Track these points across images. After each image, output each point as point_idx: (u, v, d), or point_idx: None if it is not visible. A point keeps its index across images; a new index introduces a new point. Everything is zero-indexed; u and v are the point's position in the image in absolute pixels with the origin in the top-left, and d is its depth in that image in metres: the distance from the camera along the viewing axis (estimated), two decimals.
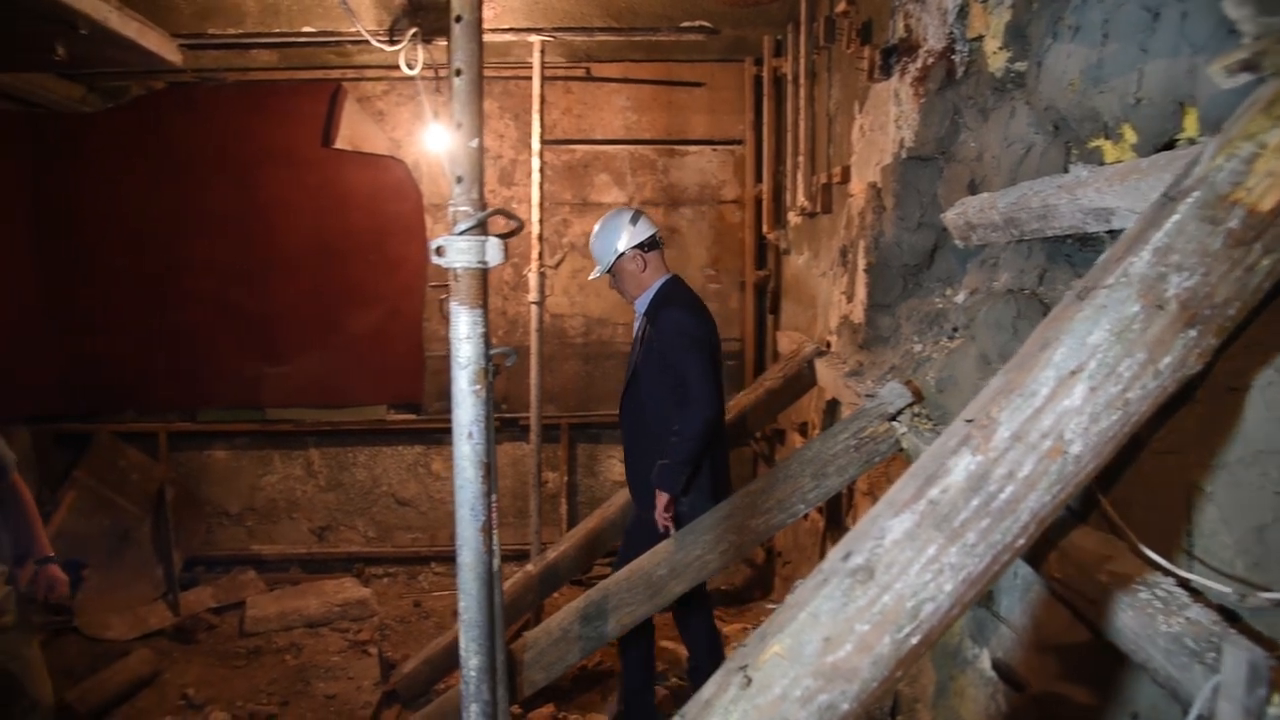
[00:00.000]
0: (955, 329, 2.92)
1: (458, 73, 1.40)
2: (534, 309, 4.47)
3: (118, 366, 5.89)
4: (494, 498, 1.56)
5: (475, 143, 1.40)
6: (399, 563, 6.10)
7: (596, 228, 3.54)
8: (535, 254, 4.49)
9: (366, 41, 4.27)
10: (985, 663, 2.40)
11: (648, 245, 3.46)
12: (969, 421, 1.36)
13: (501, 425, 5.60)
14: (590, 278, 3.68)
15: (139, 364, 5.92)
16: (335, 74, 5.68)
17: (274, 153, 5.76)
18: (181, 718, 4.32)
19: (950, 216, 2.71)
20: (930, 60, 2.98)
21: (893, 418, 2.76)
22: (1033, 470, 1.28)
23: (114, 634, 5.22)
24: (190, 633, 5.18)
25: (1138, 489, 1.74)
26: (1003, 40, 2.50)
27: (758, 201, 5.60)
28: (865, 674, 1.31)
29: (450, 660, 4.29)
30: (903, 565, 1.31)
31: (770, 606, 4.79)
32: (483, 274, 1.41)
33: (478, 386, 1.40)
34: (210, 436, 6.10)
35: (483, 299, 1.42)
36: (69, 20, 3.70)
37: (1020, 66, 2.45)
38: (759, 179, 5.55)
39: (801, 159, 4.40)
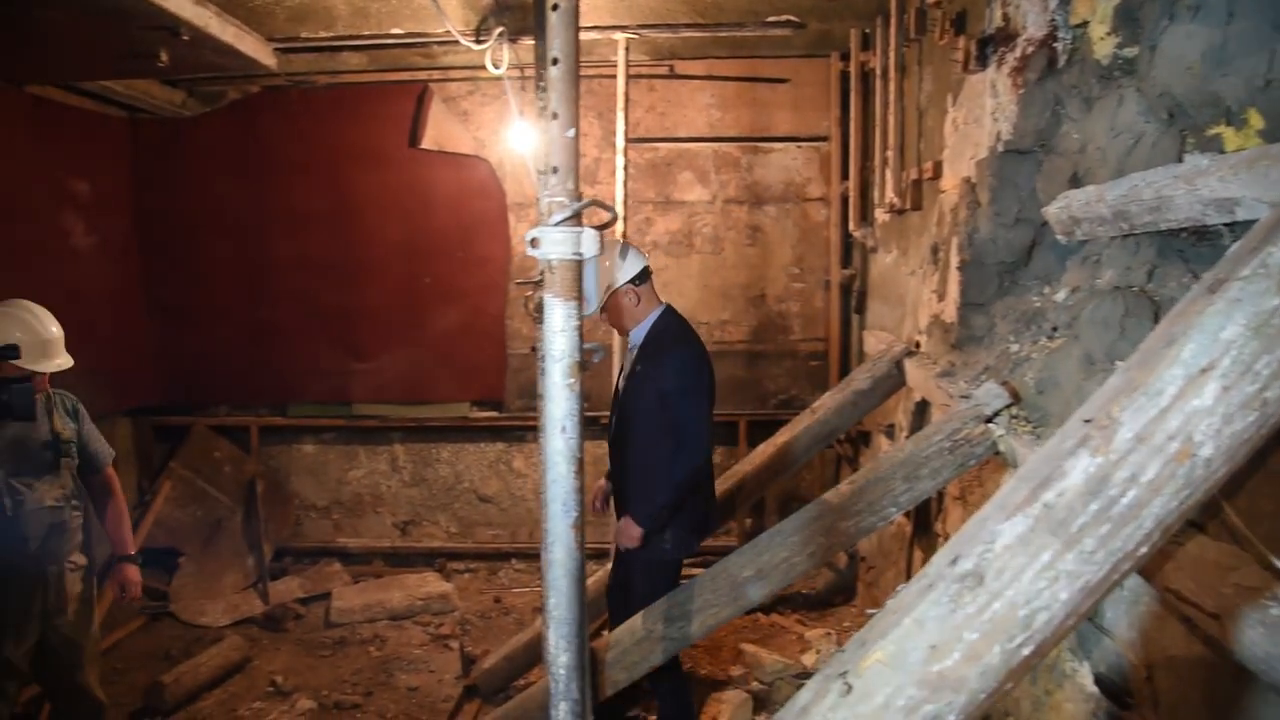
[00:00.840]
0: (1055, 328, 2.81)
1: (554, 61, 1.38)
2: None
3: (212, 362, 6.09)
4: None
5: (571, 132, 1.38)
6: (480, 559, 6.16)
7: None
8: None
9: (453, 42, 4.31)
10: (1086, 677, 2.29)
11: (639, 279, 3.36)
12: (1087, 421, 1.29)
13: (584, 423, 5.60)
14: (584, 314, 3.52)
15: (232, 359, 6.11)
16: (422, 75, 5.77)
17: (363, 153, 5.88)
18: (270, 704, 4.42)
19: (1052, 211, 2.60)
20: (1030, 49, 2.87)
21: (989, 420, 2.67)
22: (1158, 474, 1.20)
23: (207, 620, 5.39)
24: (279, 621, 5.32)
25: (1265, 498, 1.63)
26: (1111, 25, 2.39)
27: (844, 199, 5.49)
28: (973, 685, 1.25)
29: (531, 657, 4.30)
30: (1015, 572, 1.25)
31: (871, 611, 4.68)
32: (577, 266, 1.40)
33: (571, 380, 1.38)
34: (299, 431, 6.26)
35: (577, 291, 1.40)
36: (172, 27, 3.83)
37: (1130, 52, 2.33)
38: (845, 176, 5.45)
39: (890, 155, 4.30)
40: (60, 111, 5.27)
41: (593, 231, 1.38)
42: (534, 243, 1.39)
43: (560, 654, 1.51)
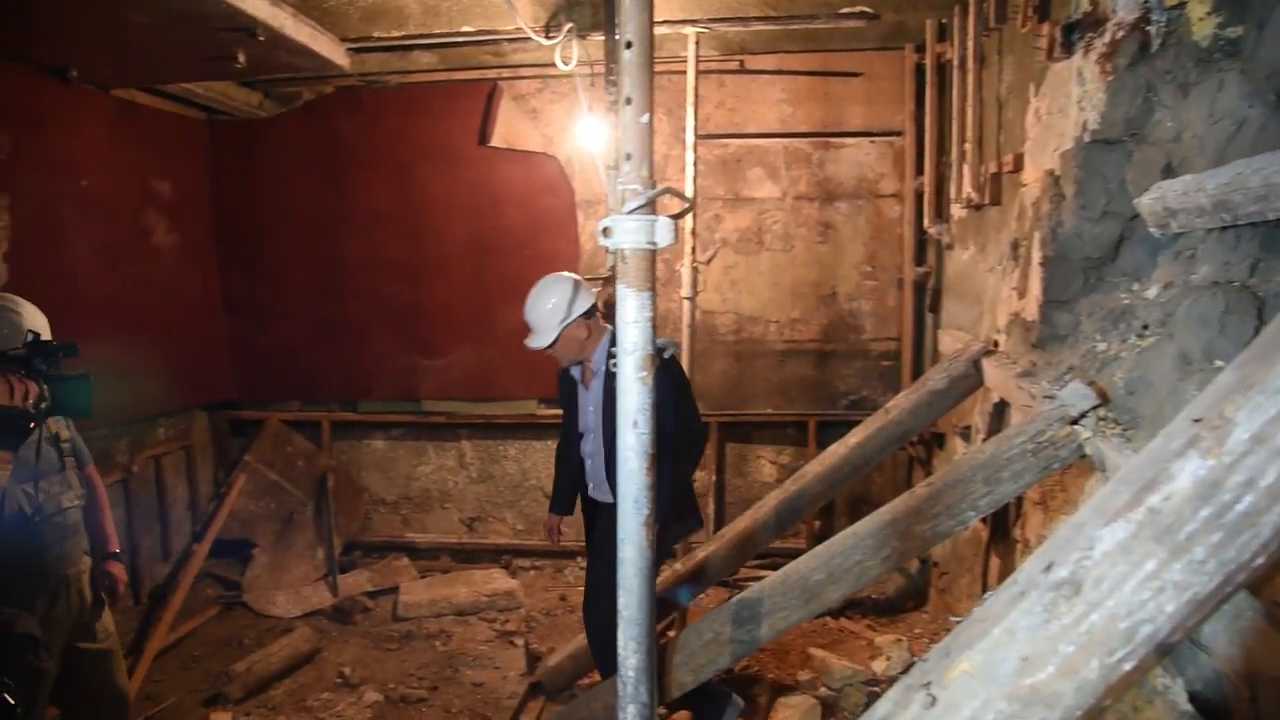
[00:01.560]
0: (1146, 326, 2.68)
1: (628, 45, 1.34)
2: (686, 304, 4.41)
3: (286, 358, 6.20)
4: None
5: (646, 118, 1.34)
6: (545, 556, 6.17)
7: (536, 294, 3.49)
8: (689, 249, 4.43)
9: (523, 39, 4.32)
10: (1180, 695, 2.17)
11: (589, 314, 3.47)
12: (1196, 421, 1.20)
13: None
14: (529, 345, 3.52)
15: (305, 356, 6.21)
16: (491, 74, 5.79)
17: (433, 152, 5.92)
18: (338, 695, 4.48)
19: (1145, 202, 2.48)
20: (1120, 33, 2.74)
21: (1075, 421, 2.55)
22: (1278, 479, 1.11)
23: (278, 610, 5.49)
24: (348, 614, 5.39)
25: None
26: (1212, 4, 2.26)
27: (918, 195, 5.36)
28: (1068, 700, 1.17)
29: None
30: (1115, 581, 1.17)
31: (955, 619, 4.56)
32: (651, 255, 1.35)
33: (644, 373, 1.34)
34: (369, 426, 6.34)
35: (651, 282, 1.35)
36: (250, 28, 3.90)
37: (1233, 32, 2.21)
38: (919, 171, 5.31)
39: (968, 148, 4.17)
40: (144, 114, 5.42)
41: (667, 220, 1.33)
42: (606, 232, 1.35)
43: (630, 655, 1.47)
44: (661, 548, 3.40)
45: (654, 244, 1.33)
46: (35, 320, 2.94)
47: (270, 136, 6.05)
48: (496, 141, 5.82)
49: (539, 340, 3.45)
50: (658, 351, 3.36)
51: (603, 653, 3.68)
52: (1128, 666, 1.15)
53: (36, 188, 4.48)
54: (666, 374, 3.28)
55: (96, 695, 3.23)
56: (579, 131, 5.51)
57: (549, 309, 3.43)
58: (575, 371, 3.64)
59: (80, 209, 4.81)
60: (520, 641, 5.00)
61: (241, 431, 6.40)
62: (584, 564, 6.08)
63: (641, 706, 1.50)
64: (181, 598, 5.37)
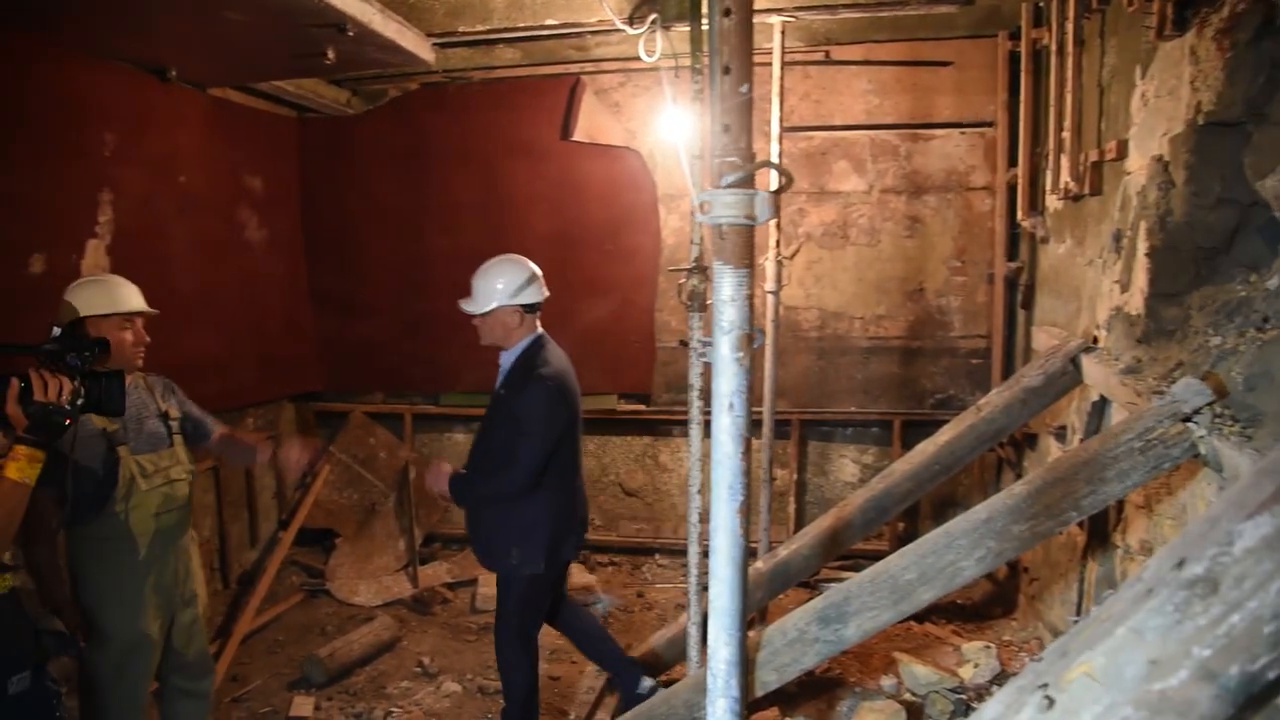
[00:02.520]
0: (1266, 319, 2.52)
1: (726, 13, 1.29)
2: (770, 299, 4.33)
3: (370, 351, 6.30)
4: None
5: (745, 89, 1.29)
6: (623, 552, 6.14)
7: (493, 266, 3.54)
8: (772, 242, 4.35)
9: (606, 31, 4.30)
10: None
11: (530, 309, 3.55)
12: None
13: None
14: (462, 305, 3.56)
15: (389, 349, 6.30)
16: (574, 68, 5.78)
17: (515, 147, 5.95)
18: (417, 684, 4.52)
19: (1271, 185, 2.33)
20: (1241, 6, 2.58)
21: (1188, 419, 2.41)
22: None
23: (360, 599, 5.57)
24: (427, 604, 5.44)
25: None
26: None
27: (1010, 187, 5.17)
28: (1204, 709, 1.08)
29: (673, 653, 4.24)
30: (1259, 580, 1.07)
31: (1073, 619, 4.39)
32: (750, 231, 1.30)
33: (741, 354, 1.28)
34: (451, 419, 6.40)
35: (749, 258, 1.30)
36: (340, 23, 3.95)
37: None
38: (1013, 163, 5.13)
39: (1067, 136, 3.99)
40: (237, 112, 5.56)
41: (766, 194, 1.28)
42: (703, 207, 1.30)
43: (720, 647, 1.41)
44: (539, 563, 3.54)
45: (752, 219, 1.28)
46: (111, 296, 3.02)
47: (357, 133, 6.16)
48: (579, 136, 5.82)
49: (473, 306, 3.51)
50: (536, 369, 3.46)
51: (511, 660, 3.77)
52: (1274, 674, 1.05)
53: (137, 184, 4.61)
54: (530, 392, 3.44)
55: (188, 664, 3.33)
56: (661, 124, 5.47)
57: (498, 286, 3.50)
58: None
59: (177, 204, 4.95)
60: None
61: (326, 423, 6.52)
62: (661, 562, 6.06)
63: (732, 701, 1.45)
64: (268, 584, 5.50)
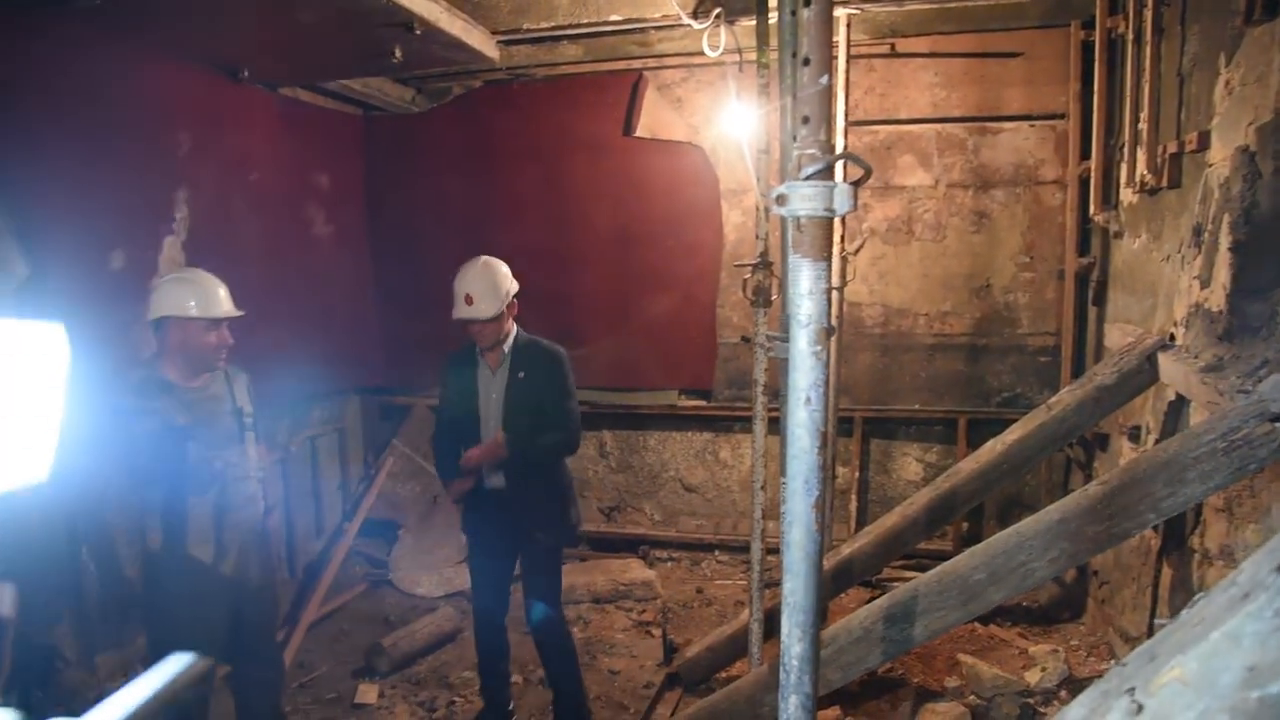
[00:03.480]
0: None
1: (806, 3, 1.27)
2: (834, 295, 4.28)
3: (432, 344, 6.34)
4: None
5: (825, 79, 1.27)
6: (683, 548, 6.14)
7: (484, 267, 3.68)
8: (837, 237, 4.30)
9: (669, 27, 4.29)
10: None
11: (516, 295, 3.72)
12: None
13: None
14: (468, 315, 3.64)
15: (450, 343, 6.35)
16: (636, 64, 5.78)
17: (578, 143, 5.97)
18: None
19: None
20: None
21: (1277, 418, 2.32)
22: None
23: (422, 590, 5.66)
24: None
25: None
26: None
27: (1082, 181, 5.04)
28: None
29: (734, 650, 4.22)
30: None
31: (1161, 621, 4.30)
32: (829, 223, 1.28)
33: (819, 348, 1.27)
34: None
35: (828, 251, 1.28)
36: (407, 23, 4.01)
37: None
38: (1085, 155, 5.00)
39: (1144, 127, 3.88)
40: (306, 110, 5.67)
41: (847, 186, 1.26)
42: (780, 200, 1.29)
43: (794, 643, 1.40)
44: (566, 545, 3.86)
45: (832, 211, 1.26)
46: (203, 300, 3.10)
47: (421, 131, 6.23)
48: (641, 132, 5.83)
49: (483, 308, 3.59)
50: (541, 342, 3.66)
51: (484, 658, 3.96)
52: None
53: (211, 182, 4.73)
54: (564, 365, 3.75)
55: (257, 652, 3.42)
56: (724, 120, 5.44)
57: (497, 283, 3.64)
58: (476, 357, 3.79)
59: (248, 202, 5.06)
60: (657, 632, 4.98)
61: (390, 416, 6.62)
62: (721, 559, 6.04)
63: (805, 697, 1.44)
64: (332, 573, 5.60)
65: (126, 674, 4.21)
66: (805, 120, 1.28)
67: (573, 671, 3.98)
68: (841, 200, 1.27)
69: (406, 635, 4.75)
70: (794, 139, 1.30)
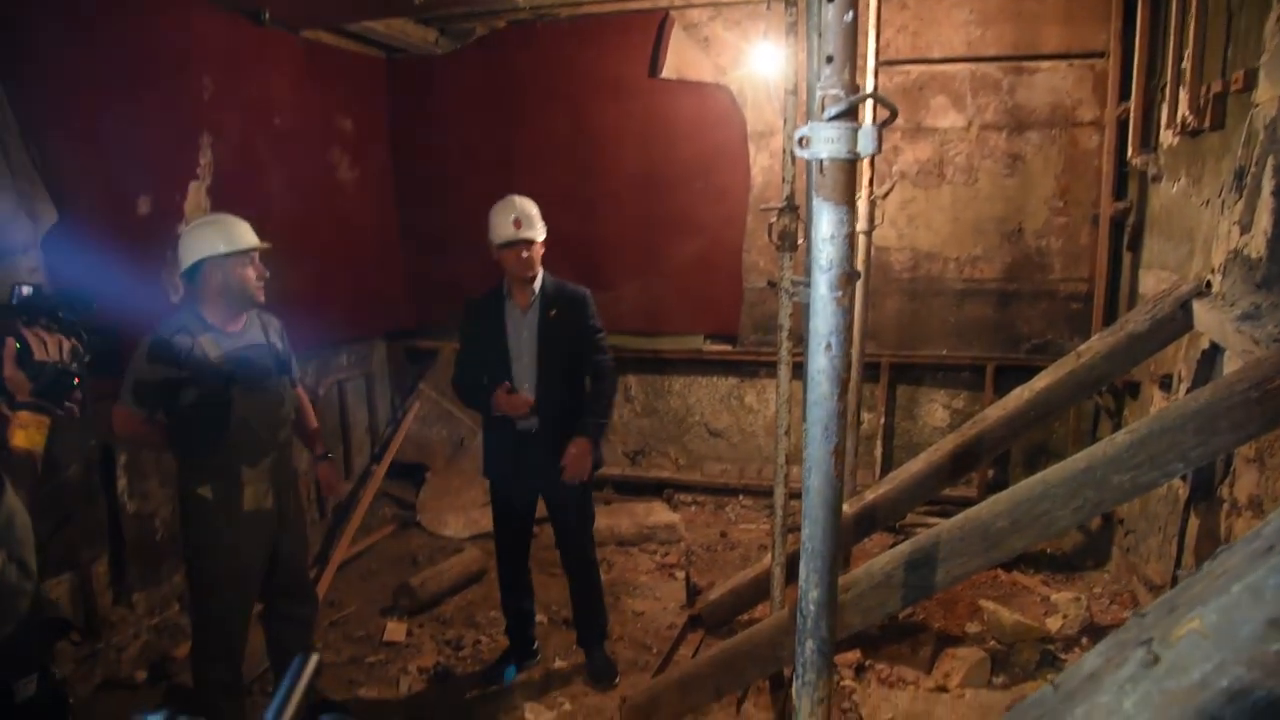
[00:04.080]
0: None
1: None
2: (862, 239, 4.22)
3: (458, 288, 6.32)
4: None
5: (850, 16, 1.23)
6: (707, 492, 6.18)
7: (523, 199, 3.76)
8: (865, 180, 4.23)
9: None
10: None
11: None
12: None
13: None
14: (524, 234, 3.67)
15: (475, 287, 6.36)
16: (663, 2, 5.66)
17: (603, 84, 5.89)
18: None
19: None
20: None
21: None
22: None
23: (449, 531, 5.74)
24: None
25: None
26: None
27: (1121, 122, 4.91)
28: None
29: (756, 593, 4.25)
30: None
31: (1182, 573, 4.28)
32: (852, 166, 1.25)
33: (839, 293, 1.25)
34: None
35: (850, 195, 1.25)
36: None
37: None
38: (1124, 96, 4.86)
39: (1187, 66, 3.75)
40: (328, 53, 5.62)
41: (871, 127, 1.23)
42: (803, 142, 1.26)
43: (811, 589, 1.41)
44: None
45: (855, 153, 1.23)
46: (229, 236, 3.11)
47: (445, 73, 6.17)
48: (667, 73, 5.73)
49: (535, 231, 3.71)
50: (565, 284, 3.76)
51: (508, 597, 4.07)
52: None
53: (234, 126, 4.72)
54: (591, 304, 3.83)
55: (291, 591, 3.51)
56: (752, 59, 5.34)
57: (538, 213, 3.76)
58: (503, 299, 3.83)
59: (272, 146, 5.05)
60: (680, 574, 5.03)
61: (417, 360, 6.67)
62: (745, 503, 6.07)
63: (821, 642, 1.45)
64: (361, 515, 5.70)
65: (163, 610, 4.35)
66: (829, 59, 1.24)
67: (599, 609, 4.09)
68: (866, 142, 1.23)
69: (434, 575, 4.83)
70: (818, 79, 1.26)
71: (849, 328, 1.28)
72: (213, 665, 3.26)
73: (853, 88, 1.25)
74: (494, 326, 3.80)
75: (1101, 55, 5.08)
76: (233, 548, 3.19)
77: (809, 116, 1.27)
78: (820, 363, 1.27)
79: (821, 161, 1.25)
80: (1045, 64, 5.25)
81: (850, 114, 1.24)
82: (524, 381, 3.76)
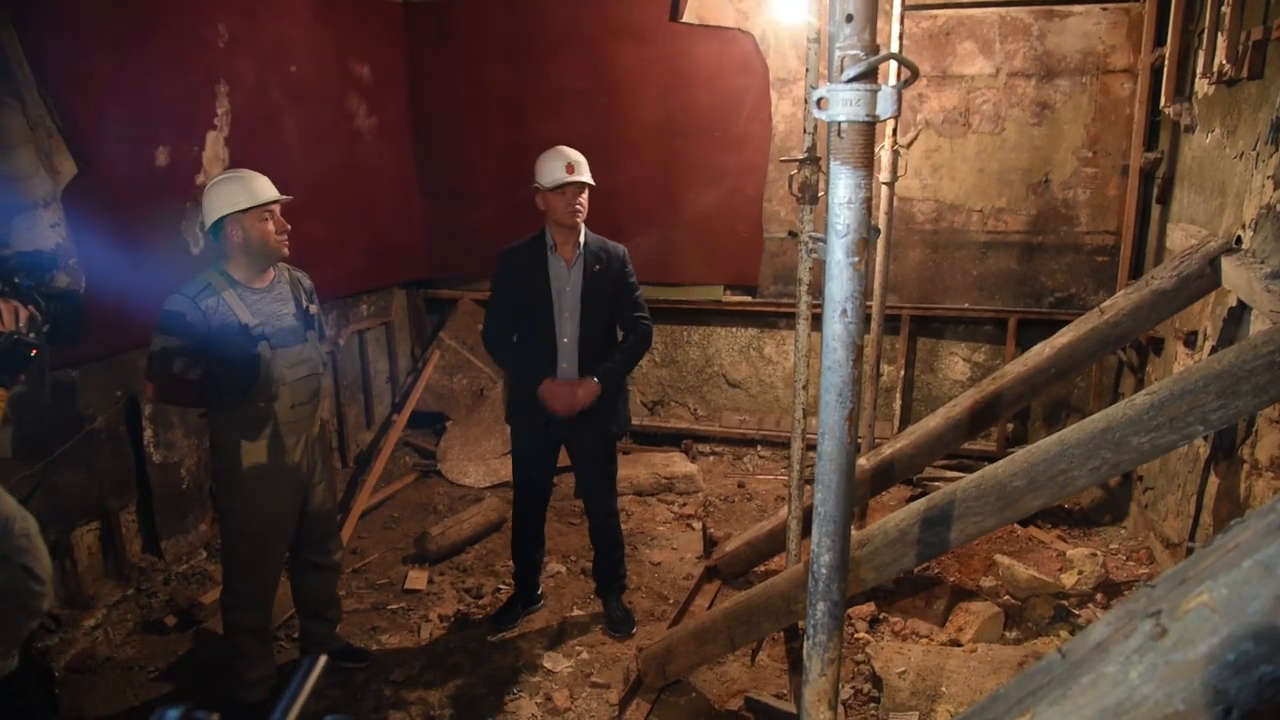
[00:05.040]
0: None
1: None
2: (884, 190, 4.16)
3: (479, 238, 6.36)
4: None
5: None
6: (725, 443, 6.20)
7: (567, 148, 3.76)
8: (889, 130, 4.15)
9: None
10: None
11: None
12: None
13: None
14: (579, 176, 3.67)
15: (498, 236, 6.34)
16: None
17: (622, 29, 5.79)
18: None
19: None
20: None
21: None
22: None
23: (470, 481, 5.80)
24: None
25: None
26: None
27: (1154, 70, 4.78)
28: None
29: (773, 545, 4.28)
30: None
31: (1192, 545, 4.28)
32: (871, 129, 1.22)
33: (856, 259, 1.23)
34: None
35: (869, 159, 1.23)
36: None
37: None
38: (1159, 42, 4.72)
39: (1227, 10, 3.63)
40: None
41: (891, 89, 1.20)
42: (820, 103, 1.23)
43: (824, 552, 1.41)
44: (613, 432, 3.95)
45: (874, 116, 1.20)
46: (248, 190, 3.09)
47: (462, 18, 6.08)
48: (688, 17, 5.62)
49: (587, 174, 3.70)
50: (602, 239, 3.76)
51: (519, 544, 4.10)
52: None
53: (251, 75, 4.68)
54: (629, 262, 3.85)
55: (318, 539, 3.58)
56: (776, 4, 5.22)
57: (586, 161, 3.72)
58: (545, 251, 3.77)
59: (289, 94, 5.02)
60: (698, 525, 5.07)
61: (436, 310, 6.68)
62: (763, 454, 6.08)
63: (832, 605, 1.46)
64: (383, 464, 5.76)
65: (190, 558, 4.44)
66: (849, 18, 1.21)
67: (619, 561, 4.15)
68: (885, 105, 1.20)
69: (454, 524, 4.89)
70: (837, 39, 1.23)
71: (865, 292, 1.27)
72: (243, 611, 3.34)
73: (873, 48, 1.21)
74: (538, 278, 3.75)
75: None
76: (265, 499, 3.25)
77: (829, 70, 1.24)
78: (835, 329, 1.26)
79: (840, 124, 1.22)
80: (1078, 8, 5.10)
81: (870, 75, 1.21)
82: (564, 335, 3.74)
